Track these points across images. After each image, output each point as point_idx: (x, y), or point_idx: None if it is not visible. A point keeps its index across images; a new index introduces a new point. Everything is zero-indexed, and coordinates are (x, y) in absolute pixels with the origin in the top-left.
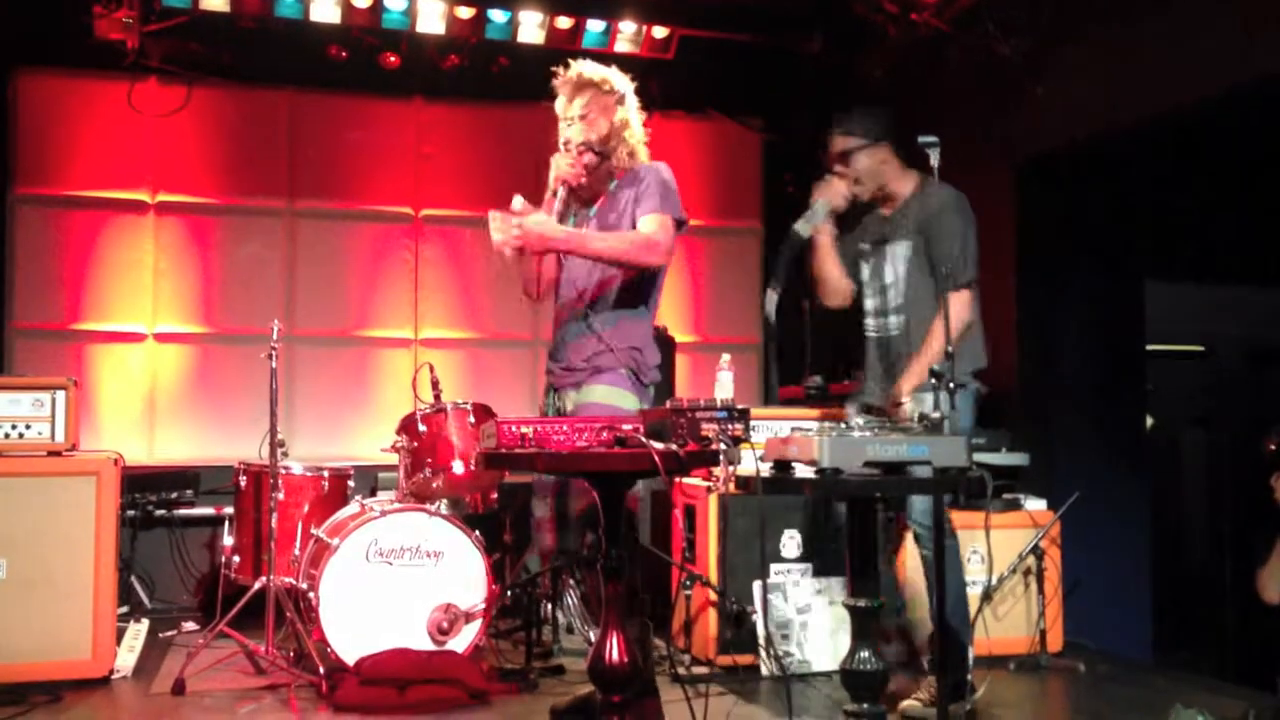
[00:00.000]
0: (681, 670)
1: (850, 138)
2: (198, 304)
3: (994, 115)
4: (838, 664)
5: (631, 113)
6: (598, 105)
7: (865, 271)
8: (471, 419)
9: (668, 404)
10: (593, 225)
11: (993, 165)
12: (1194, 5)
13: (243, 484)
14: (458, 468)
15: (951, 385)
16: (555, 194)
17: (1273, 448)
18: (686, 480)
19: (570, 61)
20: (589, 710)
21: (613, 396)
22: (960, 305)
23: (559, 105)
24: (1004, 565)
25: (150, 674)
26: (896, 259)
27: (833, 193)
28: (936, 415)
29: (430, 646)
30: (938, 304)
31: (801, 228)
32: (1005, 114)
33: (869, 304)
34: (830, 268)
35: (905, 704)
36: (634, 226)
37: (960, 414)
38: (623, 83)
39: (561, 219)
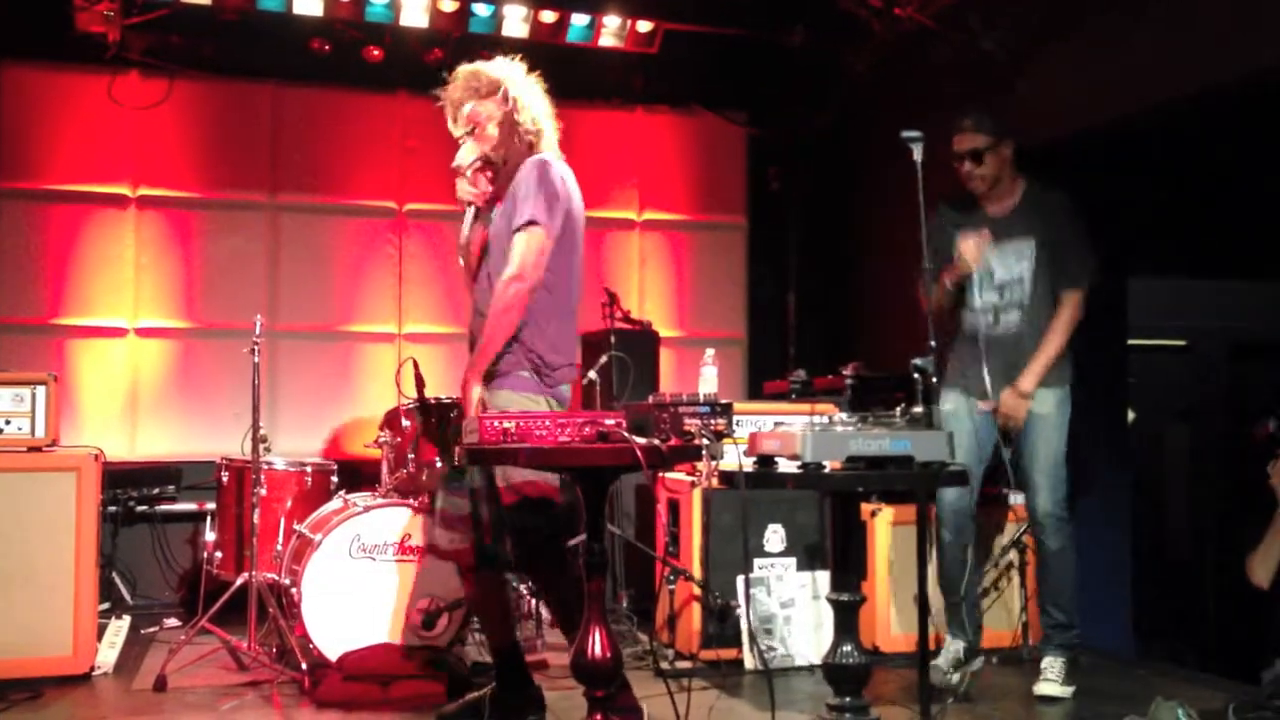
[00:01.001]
0: (665, 664)
1: (981, 135)
2: (180, 299)
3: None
4: (821, 658)
5: (525, 96)
6: (480, 113)
7: (986, 296)
8: (455, 414)
9: (650, 399)
10: (493, 229)
11: None
12: (1175, 3)
13: (225, 479)
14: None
15: (935, 380)
16: (465, 215)
17: (1269, 431)
18: (670, 475)
19: (448, 75)
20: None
21: (514, 401)
22: (1078, 305)
23: (450, 127)
24: (987, 559)
25: (132, 670)
26: (1020, 256)
27: (971, 255)
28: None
29: (413, 642)
30: (1055, 302)
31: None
32: (989, 110)
33: (980, 300)
34: (947, 301)
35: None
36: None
37: (1065, 416)
38: (501, 68)
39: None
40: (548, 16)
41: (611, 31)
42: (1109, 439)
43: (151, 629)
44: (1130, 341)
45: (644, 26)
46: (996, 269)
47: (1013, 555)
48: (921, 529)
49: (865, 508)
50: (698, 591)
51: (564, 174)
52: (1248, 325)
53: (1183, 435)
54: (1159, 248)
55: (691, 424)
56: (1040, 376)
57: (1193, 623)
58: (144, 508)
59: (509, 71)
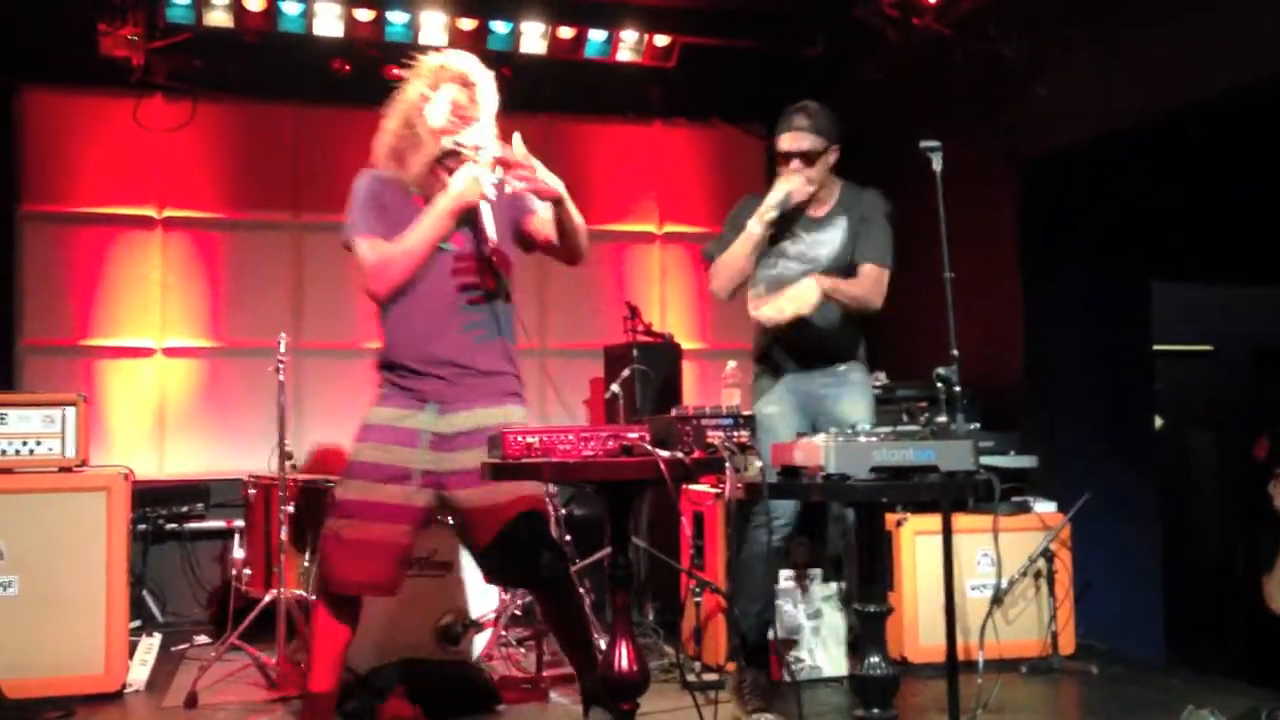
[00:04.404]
0: (692, 677)
1: (817, 137)
2: (205, 318)
3: (997, 117)
4: (848, 669)
5: None
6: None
7: (779, 265)
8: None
9: (673, 411)
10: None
11: (996, 167)
12: (1196, 5)
13: (252, 496)
14: None
15: (957, 388)
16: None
17: (1262, 456)
18: (694, 487)
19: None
20: None
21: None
22: (876, 280)
23: (476, 96)
24: (1014, 568)
25: (163, 688)
26: (825, 246)
27: (796, 187)
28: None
29: (439, 656)
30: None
31: (768, 217)
32: (1008, 116)
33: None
34: (750, 261)
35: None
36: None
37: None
38: None
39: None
40: (565, 33)
41: (629, 46)
42: (1135, 445)
43: (182, 646)
44: (1156, 347)
45: (661, 41)
46: (802, 264)
47: (1040, 564)
48: (948, 538)
49: (890, 518)
50: (723, 604)
51: None
52: (1274, 330)
53: (1209, 440)
54: (1184, 252)
55: (715, 436)
56: (827, 285)
57: (1223, 629)
58: (173, 526)
59: None
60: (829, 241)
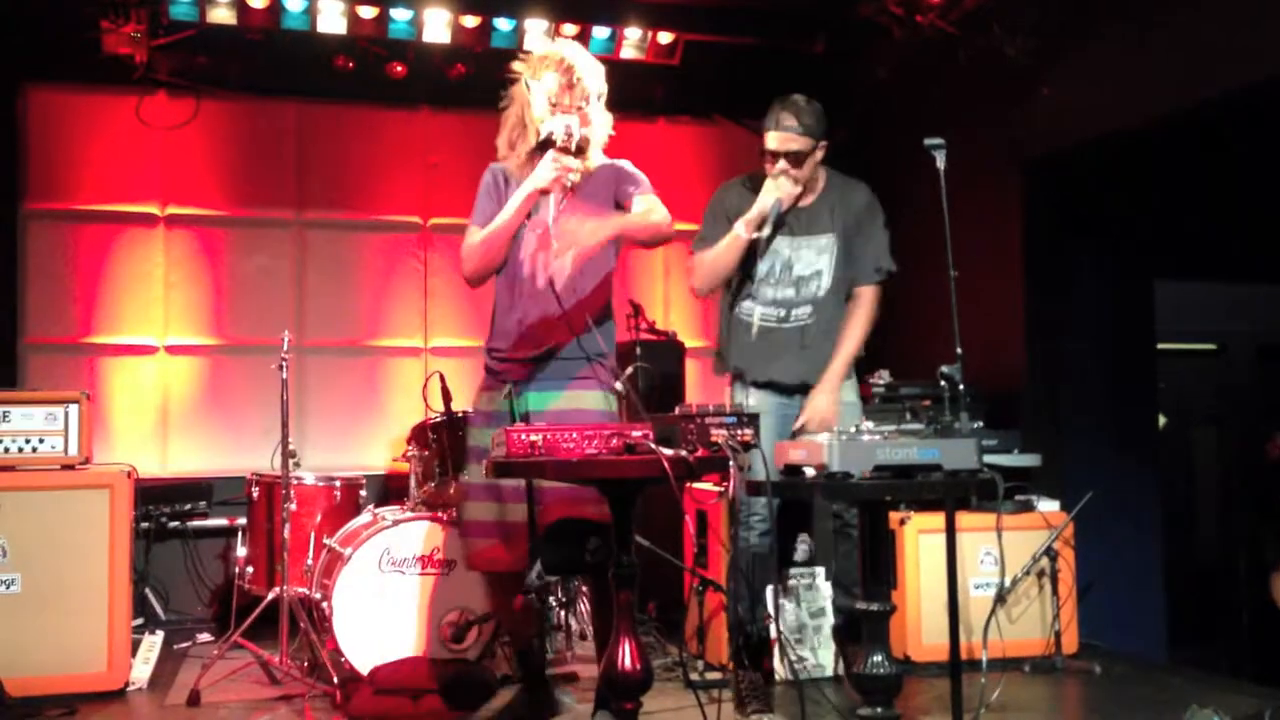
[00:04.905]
0: (695, 676)
1: (806, 138)
2: (208, 316)
3: (1001, 116)
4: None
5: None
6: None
7: (770, 260)
8: None
9: (677, 410)
10: (565, 214)
11: (1000, 166)
12: (1203, 4)
13: (255, 495)
14: None
15: (961, 387)
16: (539, 203)
17: (1274, 455)
18: (697, 485)
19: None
20: None
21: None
22: (875, 301)
23: (574, 83)
24: (1017, 567)
25: (165, 686)
26: (820, 251)
27: (785, 192)
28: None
29: (443, 654)
30: (848, 297)
31: (764, 232)
32: (1013, 114)
33: (773, 293)
34: (735, 265)
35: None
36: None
37: (859, 401)
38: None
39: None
40: (569, 30)
41: (632, 43)
42: (1138, 444)
43: (184, 644)
44: (1161, 346)
45: (665, 38)
46: (802, 262)
47: (1044, 562)
48: (951, 537)
49: (894, 516)
50: (726, 602)
51: None
52: (1279, 329)
53: (1213, 439)
54: (1189, 251)
55: (718, 435)
56: (844, 376)
57: (1227, 628)
58: (176, 524)
59: None
60: (818, 264)
